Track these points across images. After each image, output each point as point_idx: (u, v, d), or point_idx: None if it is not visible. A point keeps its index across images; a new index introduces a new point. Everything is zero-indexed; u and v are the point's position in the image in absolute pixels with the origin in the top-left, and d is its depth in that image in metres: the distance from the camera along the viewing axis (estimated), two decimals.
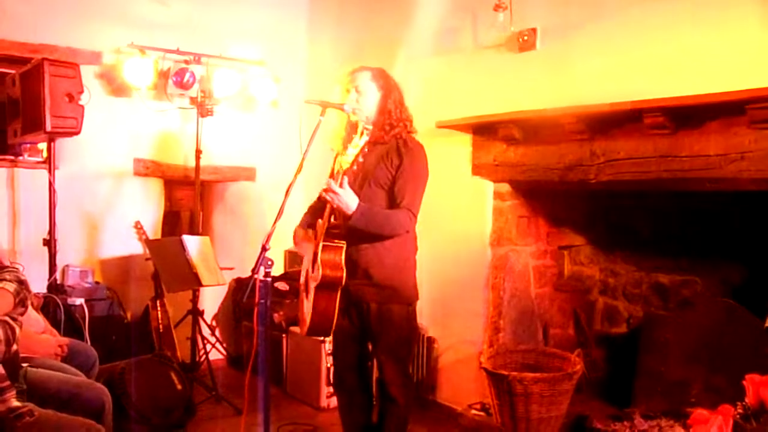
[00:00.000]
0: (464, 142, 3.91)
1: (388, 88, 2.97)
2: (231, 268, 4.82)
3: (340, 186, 2.70)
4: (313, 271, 2.88)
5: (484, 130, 3.73)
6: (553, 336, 4.08)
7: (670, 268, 3.86)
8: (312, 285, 2.87)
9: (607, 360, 4.08)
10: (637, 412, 3.39)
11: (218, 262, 4.35)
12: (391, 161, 2.86)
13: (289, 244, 5.23)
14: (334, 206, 2.75)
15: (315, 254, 2.85)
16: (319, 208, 3.15)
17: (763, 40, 2.71)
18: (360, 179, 2.90)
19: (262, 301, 2.74)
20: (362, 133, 2.96)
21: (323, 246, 2.81)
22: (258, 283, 2.73)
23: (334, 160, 3.15)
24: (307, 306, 2.94)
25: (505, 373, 3.33)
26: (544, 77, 3.51)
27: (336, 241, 2.82)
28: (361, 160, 2.92)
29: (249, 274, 2.70)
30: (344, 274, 2.80)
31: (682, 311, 3.68)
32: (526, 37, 3.53)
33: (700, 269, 3.73)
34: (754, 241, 3.43)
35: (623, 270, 4.08)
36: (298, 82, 5.35)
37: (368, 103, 2.93)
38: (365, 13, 4.86)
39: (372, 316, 2.92)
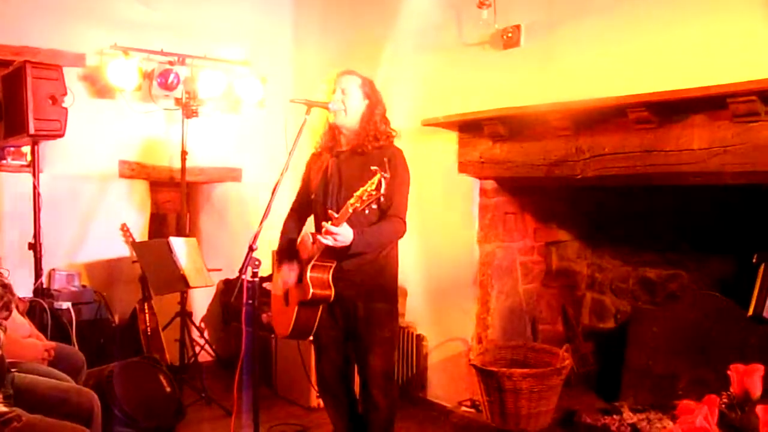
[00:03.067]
0: (450, 139, 3.92)
1: (375, 99, 2.98)
2: (219, 270, 4.80)
3: (333, 224, 2.69)
4: (295, 285, 2.91)
5: (469, 128, 3.74)
6: (541, 331, 4.10)
7: (657, 263, 3.88)
8: (295, 297, 2.89)
9: (596, 354, 4.10)
10: (626, 406, 3.42)
11: (206, 263, 4.33)
12: (370, 168, 2.86)
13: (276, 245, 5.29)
14: (336, 247, 2.74)
15: (303, 272, 2.87)
16: (301, 208, 3.19)
17: (744, 33, 2.73)
18: (343, 189, 2.90)
19: (250, 301, 2.74)
20: (339, 140, 2.99)
21: (313, 265, 2.82)
22: (245, 284, 2.73)
23: (307, 165, 3.17)
24: (286, 313, 2.97)
25: (495, 369, 3.34)
26: (528, 74, 3.52)
27: (326, 260, 2.83)
28: (336, 167, 2.95)
29: (237, 275, 2.69)
30: (332, 293, 2.84)
31: (669, 305, 3.71)
32: (510, 34, 3.55)
33: (686, 263, 3.76)
34: (740, 234, 3.46)
35: (610, 265, 4.11)
36: (284, 82, 5.33)
37: (352, 107, 2.93)
38: (350, 12, 4.86)
39: (359, 316, 2.93)
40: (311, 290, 2.80)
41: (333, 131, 3.01)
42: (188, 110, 4.53)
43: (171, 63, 4.63)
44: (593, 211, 4.06)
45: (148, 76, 4.61)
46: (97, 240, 4.59)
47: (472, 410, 3.74)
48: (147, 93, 4.67)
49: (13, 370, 2.55)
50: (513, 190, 3.89)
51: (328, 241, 2.69)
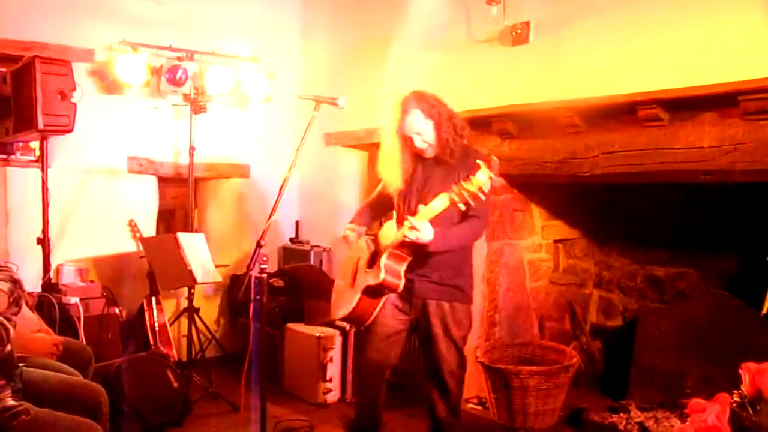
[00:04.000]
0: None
1: (438, 116, 2.91)
2: (226, 265, 4.81)
3: (411, 224, 2.68)
4: (368, 270, 2.91)
5: (478, 125, 3.72)
6: (549, 329, 4.09)
7: (665, 261, 3.87)
8: (364, 281, 2.89)
9: (603, 352, 4.10)
10: (633, 404, 3.41)
11: (213, 259, 4.34)
12: (458, 176, 2.79)
13: (284, 241, 5.31)
14: (417, 242, 2.72)
15: (378, 255, 2.87)
16: (378, 205, 3.19)
17: (754, 31, 2.71)
18: (427, 192, 2.89)
19: (257, 297, 2.74)
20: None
21: (390, 252, 2.82)
22: (253, 280, 2.73)
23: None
24: (349, 296, 2.97)
25: (502, 366, 3.34)
26: (537, 71, 3.50)
27: (404, 251, 2.82)
28: (420, 176, 2.96)
29: (244, 270, 2.69)
30: (402, 284, 2.84)
31: (677, 303, 3.70)
32: (519, 31, 3.53)
33: (695, 261, 3.75)
34: (750, 233, 3.45)
35: (618, 263, 4.10)
36: (292, 79, 5.33)
37: (430, 137, 2.91)
38: (358, 9, 4.85)
39: (433, 313, 2.94)
40: (383, 275, 2.79)
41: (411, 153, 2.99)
42: (196, 106, 4.53)
43: (179, 59, 4.62)
44: (601, 209, 4.05)
45: (156, 71, 4.60)
46: (105, 235, 4.60)
47: (479, 407, 3.74)
48: (155, 89, 4.67)
49: (21, 364, 2.56)
50: (521, 187, 3.88)
51: (412, 235, 2.68)
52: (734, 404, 1.21)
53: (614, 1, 3.20)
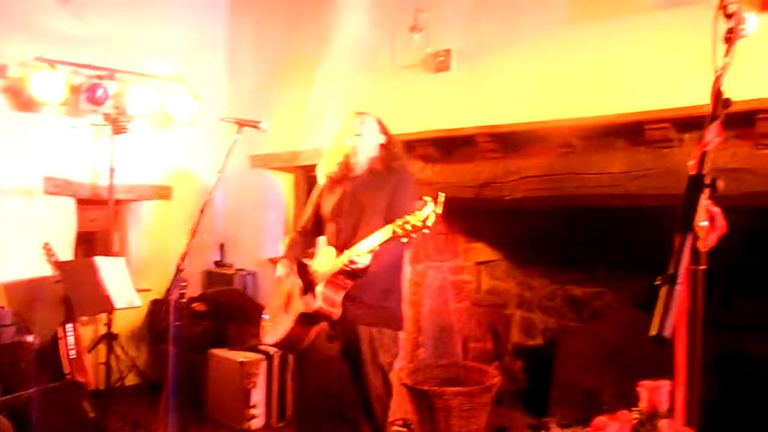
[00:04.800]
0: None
1: (389, 137, 3.01)
2: (148, 290, 4.68)
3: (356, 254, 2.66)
4: (303, 296, 2.86)
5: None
6: (472, 350, 4.16)
7: (582, 281, 4.01)
8: (298, 308, 2.85)
9: (525, 371, 4.18)
10: (554, 421, 3.49)
11: (134, 283, 4.22)
12: (383, 190, 2.87)
13: (208, 264, 5.21)
14: (357, 270, 2.70)
15: (312, 281, 2.83)
16: (311, 230, 3.15)
17: (662, 61, 2.85)
18: (356, 209, 2.90)
19: (177, 322, 2.68)
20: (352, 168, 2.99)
21: (328, 281, 2.77)
22: (172, 305, 2.68)
23: (320, 189, 3.13)
24: (282, 321, 2.91)
25: (426, 388, 3.37)
26: (459, 97, 3.59)
27: (342, 278, 2.77)
28: (350, 194, 2.96)
29: (165, 295, 2.64)
30: (339, 313, 2.79)
31: (594, 322, 3.83)
32: (441, 58, 3.62)
33: (610, 281, 3.89)
34: (658, 254, 3.60)
35: (538, 284, 4.21)
36: (218, 100, 5.28)
37: (371, 147, 2.96)
38: (285, 31, 4.86)
39: (363, 339, 2.90)
40: (319, 303, 2.75)
41: (348, 160, 3.00)
42: (117, 126, 4.43)
43: (100, 77, 4.51)
44: (522, 232, 4.16)
45: (75, 90, 4.48)
46: (18, 259, 4.41)
47: (404, 429, 3.75)
48: (74, 107, 4.54)
49: None
50: (444, 210, 3.93)
51: (353, 264, 2.66)
52: (634, 421, 1.26)
53: (531, 31, 3.32)
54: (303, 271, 2.96)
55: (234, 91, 5.36)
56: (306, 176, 4.52)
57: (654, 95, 2.81)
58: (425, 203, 2.47)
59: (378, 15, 4.02)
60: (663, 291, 1.07)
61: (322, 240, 3.12)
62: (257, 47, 5.16)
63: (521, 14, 3.40)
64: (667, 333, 1.01)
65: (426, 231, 2.48)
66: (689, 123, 2.69)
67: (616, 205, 3.17)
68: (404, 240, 2.54)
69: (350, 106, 3.10)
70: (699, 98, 2.29)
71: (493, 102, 3.42)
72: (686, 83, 2.65)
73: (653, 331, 1.00)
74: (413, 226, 2.47)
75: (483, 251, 4.23)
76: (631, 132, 2.90)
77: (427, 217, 2.45)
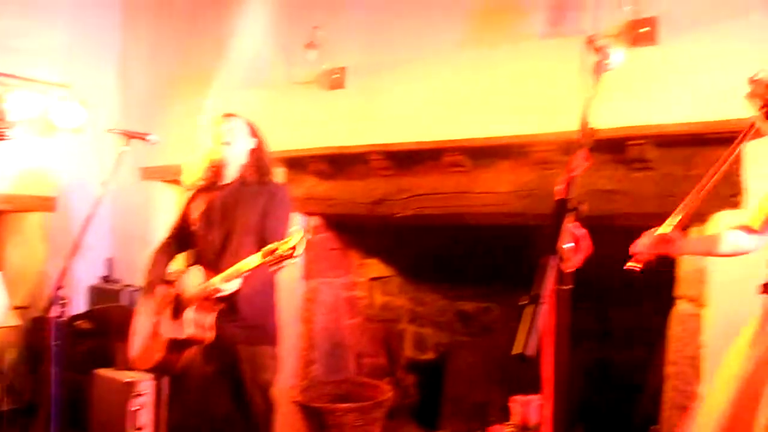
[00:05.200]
0: (278, 175, 3.92)
1: (260, 141, 2.93)
2: (26, 307, 4.42)
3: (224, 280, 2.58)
4: (174, 320, 2.74)
5: (295, 164, 3.77)
6: (365, 365, 4.18)
7: (472, 297, 4.12)
8: (168, 333, 2.74)
9: (418, 386, 4.24)
10: None
11: (12, 300, 3.98)
12: (255, 206, 2.79)
13: (95, 280, 4.99)
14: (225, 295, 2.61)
15: (181, 302, 2.72)
16: (175, 244, 3.03)
17: (545, 87, 2.99)
18: (226, 222, 2.82)
19: (57, 342, 2.56)
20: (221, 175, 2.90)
21: (198, 305, 2.65)
22: (52, 323, 2.56)
23: (186, 199, 3.04)
24: (153, 346, 2.80)
25: (318, 405, 3.36)
26: (353, 114, 3.61)
27: (212, 303, 2.66)
28: (220, 201, 2.86)
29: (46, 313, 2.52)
30: (211, 338, 2.68)
31: (483, 337, 3.95)
32: (336, 75, 3.65)
33: (498, 297, 4.02)
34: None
35: (430, 299, 4.29)
36: (108, 109, 5.08)
37: (240, 153, 2.88)
38: (181, 42, 4.75)
39: (241, 358, 2.81)
40: (190, 329, 2.63)
41: (217, 167, 2.91)
42: None
43: None
44: (415, 249, 4.23)
45: None
46: None
47: None
48: None
49: None
50: (338, 226, 3.97)
51: (226, 288, 2.56)
52: None
53: (426, 52, 3.41)
54: (170, 295, 2.85)
55: (126, 100, 5.17)
56: None
57: (540, 118, 2.94)
58: (296, 230, 2.43)
59: (274, 30, 4.01)
60: (527, 311, 1.13)
61: (187, 256, 3.04)
62: (151, 56, 5.01)
63: (416, 35, 3.49)
64: (529, 352, 1.06)
65: (294, 260, 2.42)
66: (571, 147, 2.83)
67: (504, 224, 3.29)
68: (272, 269, 2.47)
69: (219, 110, 3.03)
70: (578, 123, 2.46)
71: (387, 120, 3.47)
72: (569, 108, 2.79)
73: (516, 350, 1.05)
74: (281, 255, 2.40)
75: (376, 267, 4.27)
76: (518, 153, 3.03)
77: (295, 246, 2.38)
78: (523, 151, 2.99)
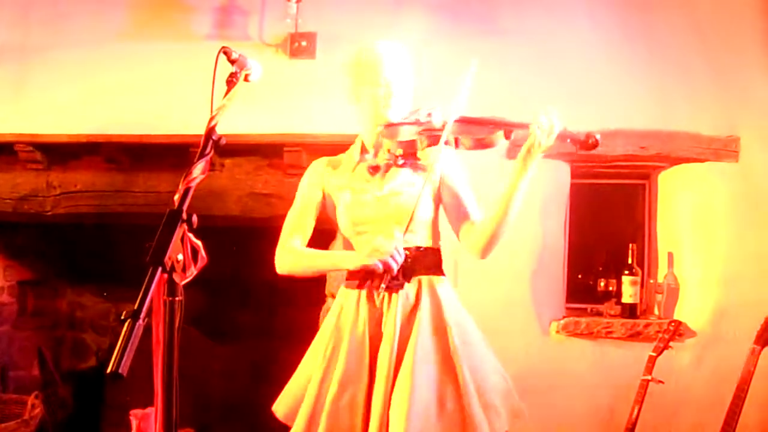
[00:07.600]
0: None
1: None
2: None
3: None
4: None
5: None
6: (15, 379, 3.77)
7: (134, 298, 3.96)
8: None
9: (76, 396, 3.96)
10: None
11: None
12: None
13: None
14: None
15: None
16: None
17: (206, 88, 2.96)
18: None
19: None
20: None
21: None
22: None
23: None
24: None
25: None
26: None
27: None
28: None
29: None
30: None
31: (145, 340, 3.82)
32: None
33: None
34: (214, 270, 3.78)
35: (91, 302, 4.05)
36: None
37: None
38: None
39: None
40: None
41: None
42: None
43: None
44: (72, 249, 3.91)
45: None
46: None
47: None
48: None
49: None
50: None
51: None
52: None
53: (83, 39, 3.15)
54: None
55: None
56: None
57: (199, 119, 2.91)
58: None
59: None
60: (125, 327, 1.10)
61: None
62: None
63: (73, 19, 3.21)
64: (122, 370, 1.04)
65: None
66: (229, 150, 2.86)
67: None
68: None
69: None
70: (237, 127, 2.49)
71: (38, 109, 3.14)
72: (231, 112, 2.82)
73: (111, 368, 1.02)
74: None
75: (29, 269, 3.85)
76: (179, 153, 2.96)
77: None
78: (184, 152, 2.93)
